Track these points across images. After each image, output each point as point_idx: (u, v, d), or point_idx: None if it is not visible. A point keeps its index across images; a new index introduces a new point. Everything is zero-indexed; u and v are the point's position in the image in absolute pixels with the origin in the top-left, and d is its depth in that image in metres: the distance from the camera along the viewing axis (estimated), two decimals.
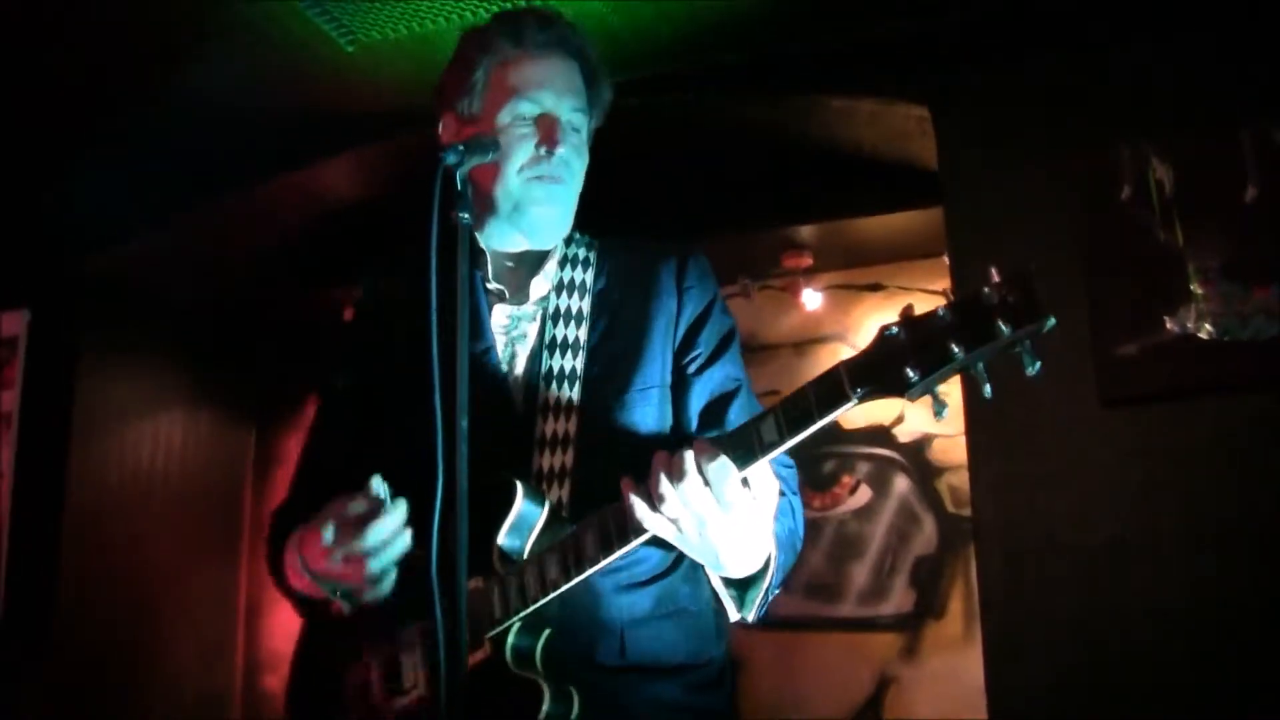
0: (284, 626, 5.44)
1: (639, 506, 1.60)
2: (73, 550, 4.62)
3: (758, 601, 1.73)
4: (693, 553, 1.68)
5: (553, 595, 1.72)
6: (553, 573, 1.71)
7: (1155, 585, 3.19)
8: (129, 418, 5.02)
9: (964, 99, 3.72)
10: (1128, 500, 3.27)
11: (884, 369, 1.44)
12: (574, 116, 1.99)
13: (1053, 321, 1.35)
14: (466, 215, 1.67)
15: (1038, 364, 1.38)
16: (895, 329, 1.43)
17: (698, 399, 1.97)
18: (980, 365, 1.42)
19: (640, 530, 1.64)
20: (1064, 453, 3.38)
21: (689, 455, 1.56)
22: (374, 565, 1.73)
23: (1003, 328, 1.35)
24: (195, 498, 5.39)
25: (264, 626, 5.65)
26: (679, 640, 1.90)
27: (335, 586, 1.81)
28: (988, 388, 1.43)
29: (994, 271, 1.38)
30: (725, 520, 1.58)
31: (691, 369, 1.98)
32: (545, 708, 1.70)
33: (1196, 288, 3.26)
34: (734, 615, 1.75)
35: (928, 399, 1.47)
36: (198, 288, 5.26)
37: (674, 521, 1.59)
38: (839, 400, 1.48)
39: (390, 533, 1.72)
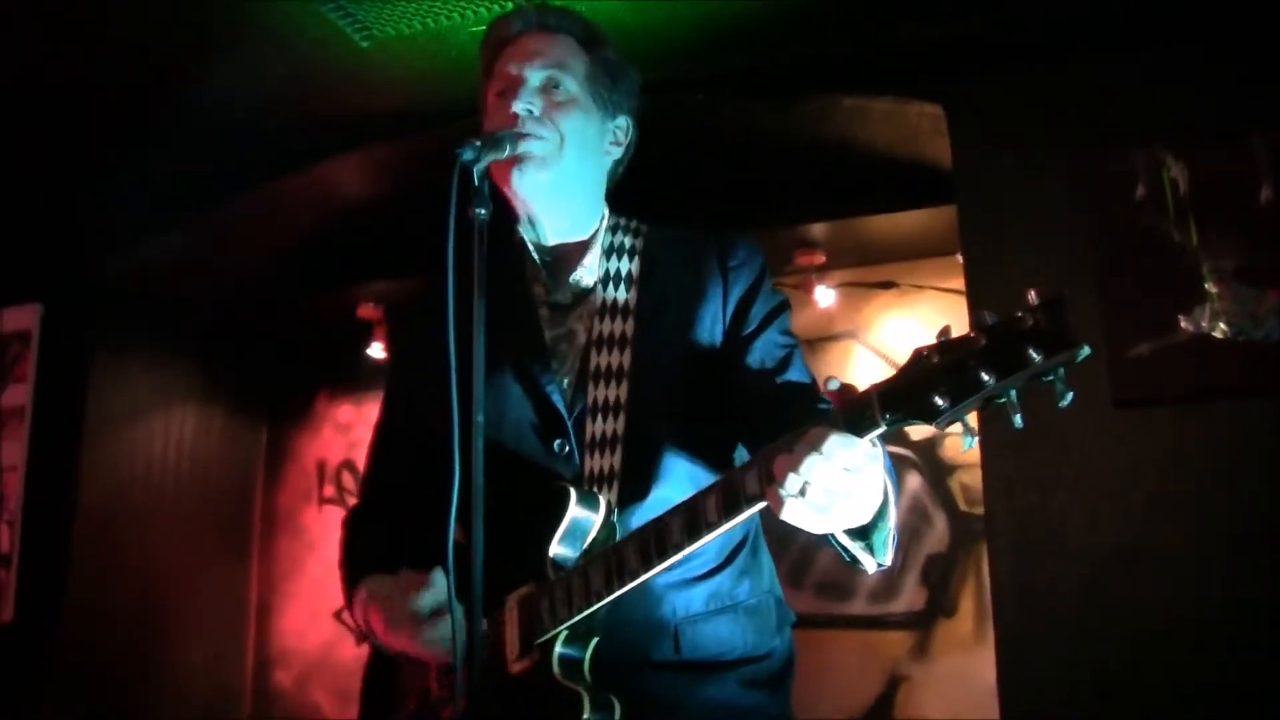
0: (294, 624, 5.47)
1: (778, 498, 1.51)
2: (84, 546, 4.64)
3: (889, 541, 1.64)
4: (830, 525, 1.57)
5: (597, 606, 1.70)
6: (597, 583, 1.70)
7: (1167, 585, 3.18)
8: (141, 414, 5.03)
9: (978, 98, 3.72)
10: (1140, 501, 3.27)
11: (913, 395, 1.42)
12: (552, 74, 1.96)
13: (1086, 351, 1.32)
14: (484, 211, 1.66)
15: (1070, 394, 1.35)
16: (928, 352, 1.41)
17: (751, 367, 1.91)
18: (1012, 394, 1.39)
19: (680, 546, 1.62)
20: (1077, 453, 3.37)
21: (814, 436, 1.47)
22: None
23: (1034, 355, 1.32)
24: (206, 495, 5.41)
25: (274, 624, 5.64)
26: (736, 635, 1.88)
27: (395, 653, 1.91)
28: (1018, 417, 1.41)
29: (1031, 295, 1.34)
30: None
31: (744, 334, 1.93)
32: (585, 715, 1.70)
33: (1210, 289, 3.25)
34: (871, 567, 1.67)
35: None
36: (211, 284, 5.26)
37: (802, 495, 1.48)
38: (869, 426, 1.45)
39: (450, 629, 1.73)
